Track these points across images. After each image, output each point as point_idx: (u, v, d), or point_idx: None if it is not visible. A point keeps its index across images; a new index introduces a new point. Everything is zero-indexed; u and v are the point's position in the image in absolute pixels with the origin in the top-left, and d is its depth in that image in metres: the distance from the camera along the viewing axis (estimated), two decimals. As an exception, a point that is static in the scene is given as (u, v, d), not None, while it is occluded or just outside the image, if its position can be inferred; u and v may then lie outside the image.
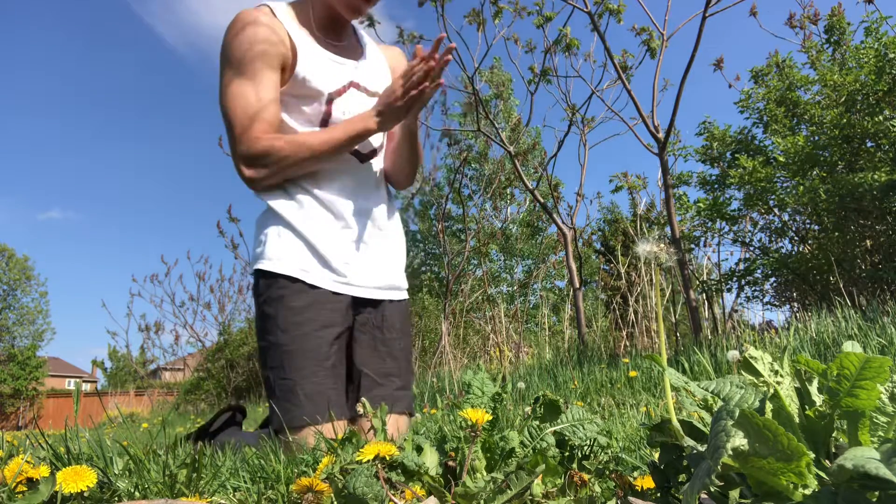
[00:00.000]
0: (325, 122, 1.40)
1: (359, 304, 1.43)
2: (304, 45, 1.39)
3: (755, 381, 0.66)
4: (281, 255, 1.35)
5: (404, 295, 1.54)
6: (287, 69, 1.36)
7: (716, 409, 0.57)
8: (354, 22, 1.56)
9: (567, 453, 0.87)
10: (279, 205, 1.37)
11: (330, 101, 1.40)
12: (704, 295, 4.80)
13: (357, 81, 1.44)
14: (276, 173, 1.33)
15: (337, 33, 1.48)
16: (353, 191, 1.42)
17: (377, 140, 1.49)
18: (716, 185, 4.83)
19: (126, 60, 65.29)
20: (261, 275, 1.36)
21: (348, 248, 1.40)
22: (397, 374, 1.45)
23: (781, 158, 4.16)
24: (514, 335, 5.67)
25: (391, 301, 1.49)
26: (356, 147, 1.42)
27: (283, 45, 1.34)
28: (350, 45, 1.51)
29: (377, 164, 1.50)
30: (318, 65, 1.39)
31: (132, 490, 0.82)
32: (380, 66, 1.54)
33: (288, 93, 1.38)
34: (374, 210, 1.46)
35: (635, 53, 4.65)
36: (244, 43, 1.32)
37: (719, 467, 0.49)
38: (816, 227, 4.57)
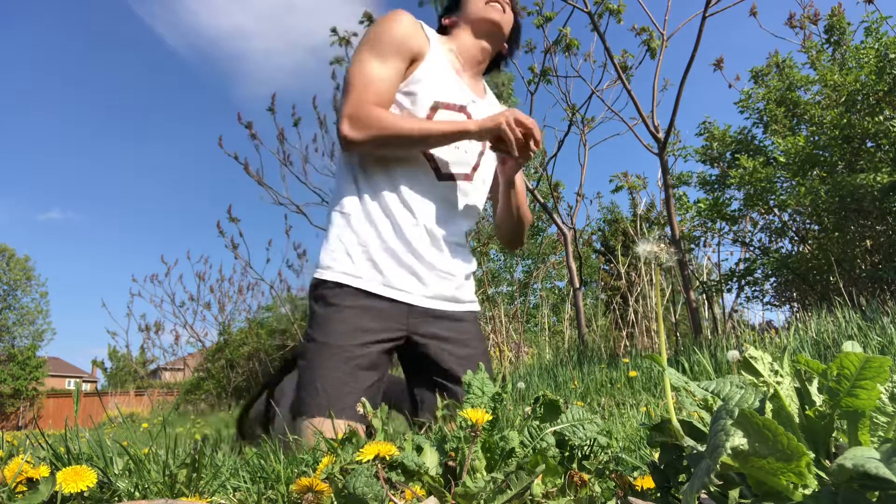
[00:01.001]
0: None
1: (418, 314, 1.43)
2: (436, 55, 1.51)
3: (755, 381, 0.66)
4: (332, 262, 1.40)
5: (469, 307, 1.53)
6: (414, 65, 1.47)
7: (715, 409, 0.57)
8: (486, 81, 1.69)
9: (567, 453, 0.87)
10: (346, 205, 1.44)
11: (435, 108, 1.46)
12: (704, 295, 4.80)
13: (469, 111, 1.51)
14: (372, 139, 1.36)
15: (471, 72, 1.61)
16: (422, 205, 1.44)
17: (459, 166, 1.52)
18: (716, 186, 4.83)
19: (126, 61, 65.35)
20: (315, 279, 1.42)
21: (404, 258, 1.41)
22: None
23: (782, 159, 4.16)
24: (514, 335, 5.67)
25: (455, 311, 1.48)
26: (438, 160, 1.48)
27: (419, 44, 1.47)
28: (477, 84, 1.62)
29: (453, 188, 1.51)
30: (439, 75, 1.49)
31: (132, 490, 0.82)
32: (494, 111, 1.59)
33: (402, 89, 1.46)
34: (438, 227, 1.46)
35: (635, 53, 4.65)
36: (387, 31, 1.44)
37: (718, 466, 0.49)
38: (816, 227, 4.57)
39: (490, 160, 1.60)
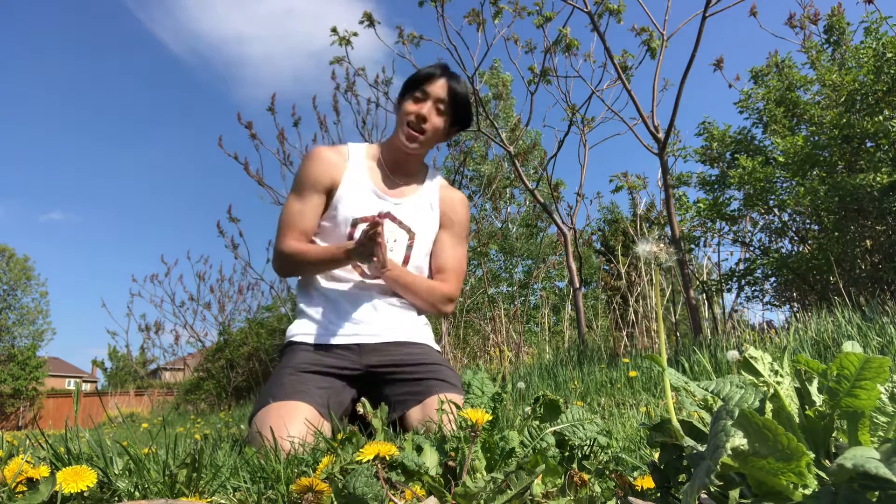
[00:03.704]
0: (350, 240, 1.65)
1: (368, 350, 1.63)
2: (352, 177, 1.71)
3: (755, 381, 0.66)
4: (292, 331, 1.70)
5: (407, 338, 1.68)
6: (333, 191, 1.69)
7: (715, 409, 0.57)
8: (434, 172, 1.85)
9: (567, 453, 0.87)
10: (302, 301, 1.74)
11: (354, 224, 1.67)
12: (704, 295, 4.80)
13: (393, 214, 1.69)
14: (291, 272, 1.73)
15: (401, 173, 1.77)
16: (353, 291, 1.69)
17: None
18: (716, 186, 4.82)
19: (128, 65, 65.38)
20: (281, 348, 1.75)
21: (346, 321, 1.66)
22: (421, 389, 1.58)
23: (781, 159, 4.16)
24: (514, 335, 5.67)
25: (397, 343, 1.65)
26: (365, 266, 1.69)
27: (331, 175, 1.69)
28: (409, 185, 1.78)
29: (382, 284, 1.70)
30: (354, 194, 1.69)
31: (132, 490, 0.82)
32: (425, 206, 1.77)
33: (326, 216, 1.70)
34: (377, 300, 1.69)
35: (635, 53, 4.64)
36: (302, 171, 1.71)
37: (719, 467, 0.49)
38: (816, 227, 4.57)
39: (424, 243, 1.76)
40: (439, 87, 1.67)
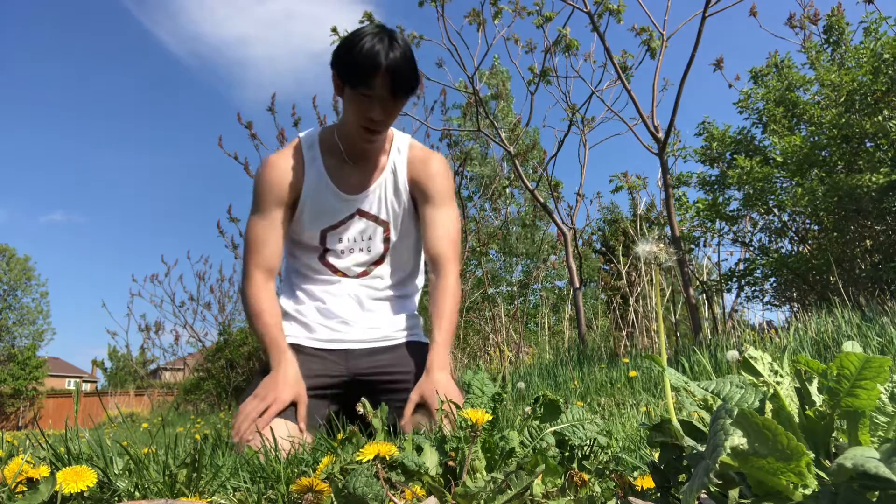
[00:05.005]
0: (324, 249, 1.65)
1: (355, 356, 1.61)
2: (312, 183, 1.62)
3: (755, 381, 0.66)
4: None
5: (395, 339, 1.66)
6: (295, 201, 1.63)
7: (715, 409, 0.57)
8: (396, 134, 1.72)
9: (567, 453, 0.87)
10: (286, 302, 1.70)
11: (323, 235, 1.65)
12: (704, 295, 4.80)
13: (363, 209, 1.65)
14: (246, 314, 1.68)
15: (360, 156, 1.66)
16: (338, 288, 1.66)
17: (366, 264, 1.68)
18: (715, 186, 4.82)
19: (129, 67, 65.36)
20: None
21: (332, 320, 1.64)
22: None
23: (779, 158, 4.16)
24: (514, 335, 5.67)
25: (385, 348, 1.64)
26: (343, 269, 1.68)
27: (289, 184, 1.61)
28: (369, 168, 1.67)
29: (367, 279, 1.69)
30: (317, 203, 1.63)
31: (132, 490, 0.82)
32: (392, 188, 1.68)
33: (294, 228, 1.65)
34: (361, 296, 1.67)
35: (635, 53, 4.64)
36: (258, 186, 1.63)
37: (718, 466, 0.49)
38: (816, 227, 4.57)
39: (401, 229, 1.68)
40: (385, 80, 1.45)
